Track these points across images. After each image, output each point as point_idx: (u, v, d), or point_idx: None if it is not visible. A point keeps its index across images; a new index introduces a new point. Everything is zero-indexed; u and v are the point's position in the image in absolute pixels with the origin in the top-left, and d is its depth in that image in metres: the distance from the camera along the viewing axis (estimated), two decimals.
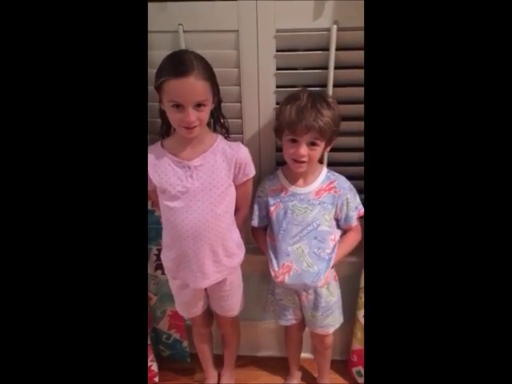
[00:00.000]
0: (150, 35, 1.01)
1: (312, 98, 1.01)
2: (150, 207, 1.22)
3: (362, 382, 1.42)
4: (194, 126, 0.95)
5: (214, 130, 1.09)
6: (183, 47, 1.04)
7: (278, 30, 1.04)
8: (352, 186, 1.13)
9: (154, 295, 1.42)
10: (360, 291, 1.31)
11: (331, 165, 1.19)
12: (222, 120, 1.08)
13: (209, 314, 1.30)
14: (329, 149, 1.10)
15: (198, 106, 0.93)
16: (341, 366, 1.49)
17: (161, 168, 1.02)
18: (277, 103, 1.13)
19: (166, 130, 1.08)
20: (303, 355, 1.47)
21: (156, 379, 1.46)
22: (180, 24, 1.03)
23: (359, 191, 1.15)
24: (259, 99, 1.12)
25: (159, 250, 1.20)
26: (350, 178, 1.15)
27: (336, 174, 1.14)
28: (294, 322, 1.26)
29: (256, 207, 1.18)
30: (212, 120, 1.07)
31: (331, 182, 1.12)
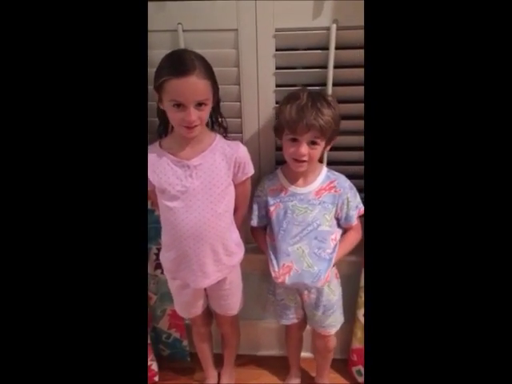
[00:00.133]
0: (149, 34, 1.00)
1: (312, 97, 1.00)
2: (149, 206, 1.22)
3: (362, 381, 1.42)
4: (195, 126, 0.95)
5: (212, 129, 1.09)
6: (182, 46, 1.04)
7: (277, 29, 1.04)
8: (352, 185, 1.13)
9: (153, 294, 1.42)
10: (360, 290, 1.31)
11: (331, 164, 1.19)
12: (219, 119, 1.08)
13: (208, 314, 1.30)
14: (329, 148, 1.10)
15: (199, 105, 0.93)
16: (341, 365, 1.49)
17: (159, 168, 1.02)
18: (276, 102, 1.13)
19: (164, 130, 1.08)
20: (303, 354, 1.47)
21: (156, 378, 1.47)
22: (179, 23, 1.03)
23: (359, 190, 1.14)
24: (259, 98, 1.12)
25: (159, 250, 1.20)
26: (349, 177, 1.14)
27: (336, 173, 1.14)
28: (295, 320, 1.26)
29: (255, 207, 1.17)
30: (210, 119, 1.07)
31: (331, 182, 1.12)
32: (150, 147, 1.04)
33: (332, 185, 1.11)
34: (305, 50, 1.08)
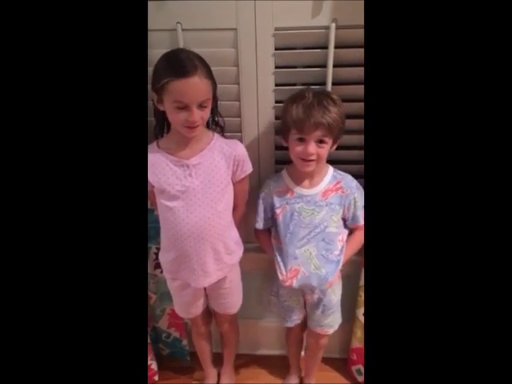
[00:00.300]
0: (148, 33, 1.00)
1: (318, 96, 1.00)
2: (149, 206, 1.22)
3: (362, 380, 1.42)
4: (197, 125, 0.95)
5: (209, 128, 1.09)
6: (181, 45, 1.04)
7: (276, 28, 1.03)
8: (359, 185, 1.11)
9: (153, 294, 1.42)
10: (360, 289, 1.31)
11: (331, 163, 1.18)
12: (216, 118, 1.07)
13: (208, 313, 1.30)
14: (334, 147, 1.08)
15: (201, 105, 0.93)
16: (340, 365, 1.50)
17: (158, 168, 1.02)
18: (276, 101, 1.13)
19: (160, 130, 1.07)
20: (303, 354, 1.46)
21: (156, 378, 1.47)
22: (178, 22, 1.03)
23: None
24: (258, 97, 1.12)
25: (158, 249, 1.19)
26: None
27: (342, 172, 1.12)
28: (298, 322, 1.26)
29: (261, 209, 1.15)
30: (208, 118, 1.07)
31: (338, 182, 1.10)
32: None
33: (339, 185, 1.10)
34: (304, 49, 1.08)
